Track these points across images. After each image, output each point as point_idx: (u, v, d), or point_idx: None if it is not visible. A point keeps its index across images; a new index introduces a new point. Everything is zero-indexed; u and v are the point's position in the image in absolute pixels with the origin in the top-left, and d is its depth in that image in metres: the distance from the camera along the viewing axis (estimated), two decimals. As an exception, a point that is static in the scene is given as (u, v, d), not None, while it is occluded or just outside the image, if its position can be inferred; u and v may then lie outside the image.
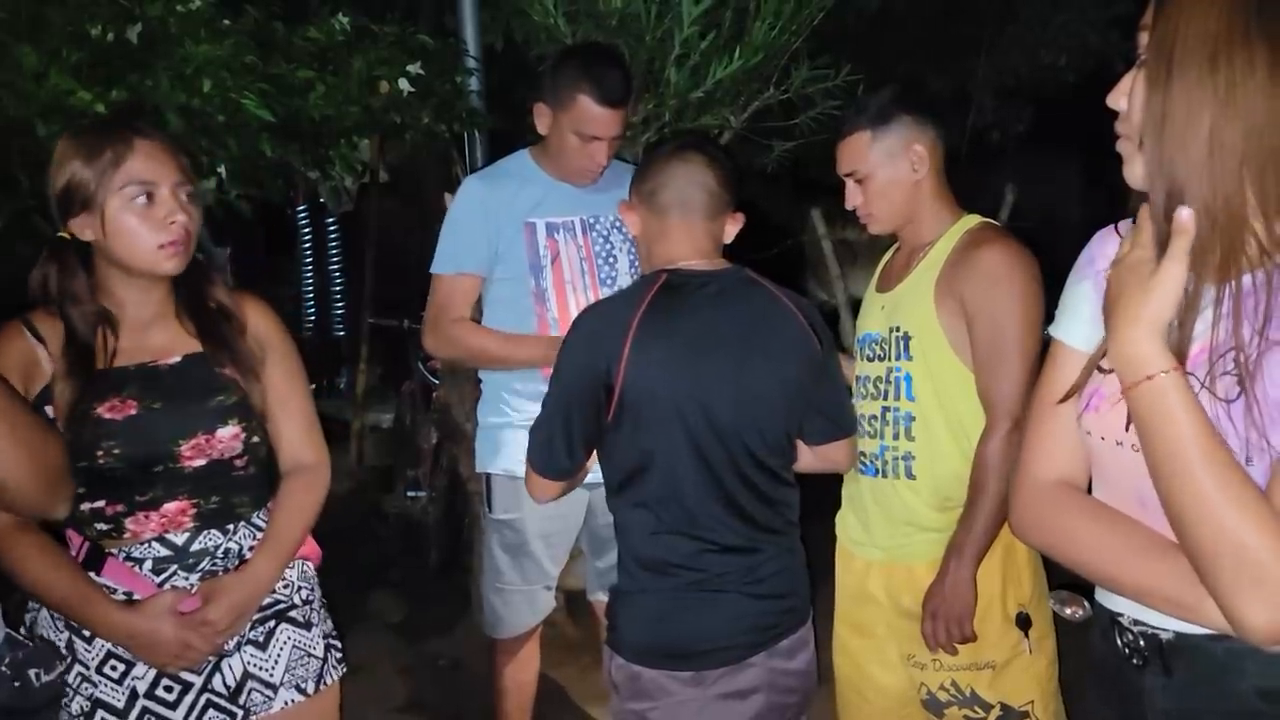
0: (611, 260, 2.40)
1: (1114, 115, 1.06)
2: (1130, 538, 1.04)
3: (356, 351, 5.63)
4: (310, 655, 1.78)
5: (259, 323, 1.77)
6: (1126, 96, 1.03)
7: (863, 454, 2.04)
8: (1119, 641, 1.12)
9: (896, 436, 1.97)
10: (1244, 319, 0.96)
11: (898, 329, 1.97)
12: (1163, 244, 0.98)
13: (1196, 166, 0.96)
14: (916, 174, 1.95)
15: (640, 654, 1.75)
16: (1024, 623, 1.90)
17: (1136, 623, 1.09)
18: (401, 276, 4.41)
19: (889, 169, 1.96)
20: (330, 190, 3.14)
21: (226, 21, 2.48)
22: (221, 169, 2.48)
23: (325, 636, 1.83)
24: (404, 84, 2.94)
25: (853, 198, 2.02)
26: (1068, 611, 1.27)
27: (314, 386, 6.55)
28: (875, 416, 2.01)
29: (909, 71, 4.55)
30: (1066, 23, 4.61)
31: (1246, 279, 0.97)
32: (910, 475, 1.95)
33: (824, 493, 2.15)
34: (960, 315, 1.88)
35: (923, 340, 1.93)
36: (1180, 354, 0.99)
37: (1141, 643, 1.09)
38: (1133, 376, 0.98)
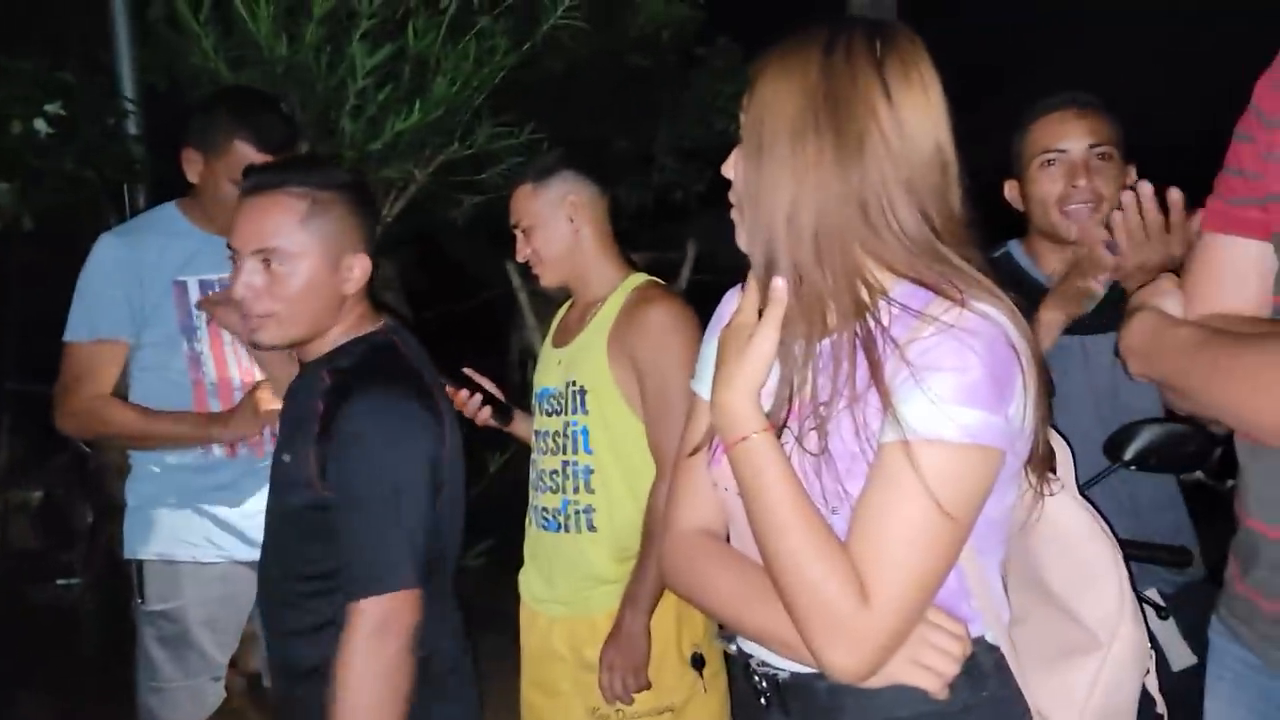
0: (276, 320, 2.26)
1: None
2: (750, 583, 1.10)
3: (-3, 421, 4.97)
4: None
5: None
6: (734, 169, 1.12)
7: (544, 510, 2.05)
8: (750, 682, 1.18)
9: (577, 490, 2.00)
10: (823, 378, 1.05)
11: (574, 383, 2.01)
12: (763, 310, 1.06)
13: (780, 238, 1.04)
14: (574, 225, 2.02)
15: None
16: (698, 663, 1.98)
17: (762, 664, 1.15)
18: (51, 336, 3.95)
19: (549, 220, 2.02)
20: (-47, 240, 2.76)
21: None
22: None
23: None
24: (41, 124, 2.66)
25: (521, 249, 2.07)
26: (732, 648, 1.33)
27: (-58, 463, 5.65)
28: (556, 471, 2.03)
29: (594, 132, 4.73)
30: (735, 93, 5.00)
31: (827, 342, 1.06)
32: (591, 528, 1.99)
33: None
34: (631, 370, 1.95)
35: (598, 394, 1.98)
36: (779, 412, 1.07)
37: (764, 683, 1.16)
38: (730, 436, 1.05)
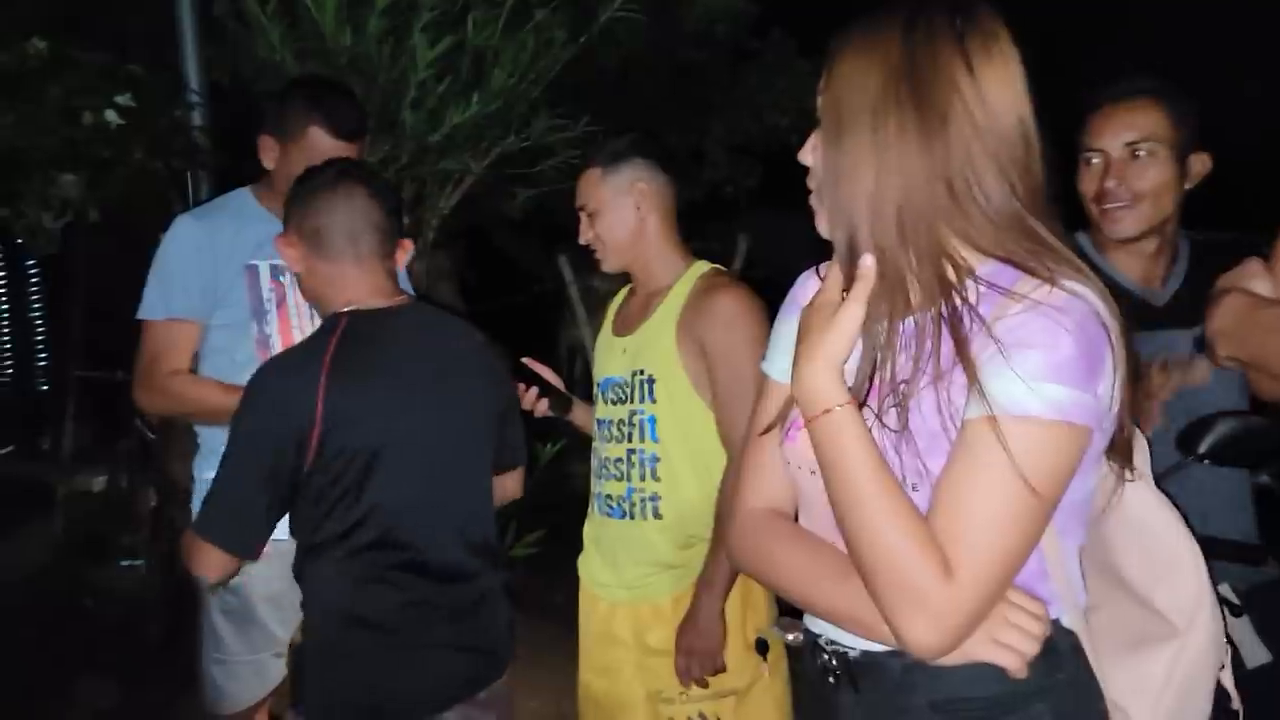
0: (342, 304, 2.30)
1: (806, 171, 1.14)
2: (821, 562, 1.11)
3: (62, 408, 5.10)
4: None
5: None
6: (811, 153, 1.12)
7: (609, 497, 2.06)
8: (818, 661, 1.18)
9: (643, 478, 2.00)
10: (905, 357, 1.05)
11: (641, 372, 2.01)
12: (848, 288, 1.06)
13: (863, 219, 1.04)
14: (640, 212, 2.03)
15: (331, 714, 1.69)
16: (762, 648, 1.98)
17: (831, 643, 1.16)
18: (116, 325, 4.04)
19: (616, 205, 2.03)
20: (25, 229, 2.83)
21: (-111, 38, 2.20)
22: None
23: None
24: (111, 115, 2.72)
25: (585, 232, 2.08)
26: (789, 637, 1.33)
27: (10, 448, 5.90)
28: (620, 459, 2.04)
29: (647, 126, 4.74)
30: (788, 86, 4.98)
31: (910, 320, 1.06)
32: (658, 515, 1.99)
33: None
34: (701, 357, 1.95)
35: (667, 382, 1.98)
36: (860, 389, 1.07)
37: (834, 661, 1.15)
38: (811, 410, 1.05)
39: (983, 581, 0.97)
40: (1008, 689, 1.04)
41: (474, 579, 1.73)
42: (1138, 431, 1.18)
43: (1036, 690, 1.05)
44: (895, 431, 1.04)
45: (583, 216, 2.08)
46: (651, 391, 1.99)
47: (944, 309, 1.03)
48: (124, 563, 4.09)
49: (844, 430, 1.02)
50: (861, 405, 1.06)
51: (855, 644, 1.12)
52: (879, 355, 1.06)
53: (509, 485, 1.97)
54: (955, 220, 1.03)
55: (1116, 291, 1.72)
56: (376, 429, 1.63)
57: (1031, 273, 1.01)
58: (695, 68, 4.97)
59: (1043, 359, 0.96)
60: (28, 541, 4.89)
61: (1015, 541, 0.99)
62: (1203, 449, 1.59)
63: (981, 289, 1.03)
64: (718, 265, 2.10)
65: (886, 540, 0.99)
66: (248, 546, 1.67)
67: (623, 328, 2.13)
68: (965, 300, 1.02)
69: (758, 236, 5.79)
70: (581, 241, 2.10)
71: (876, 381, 1.07)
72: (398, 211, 1.77)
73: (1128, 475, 1.14)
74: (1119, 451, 1.11)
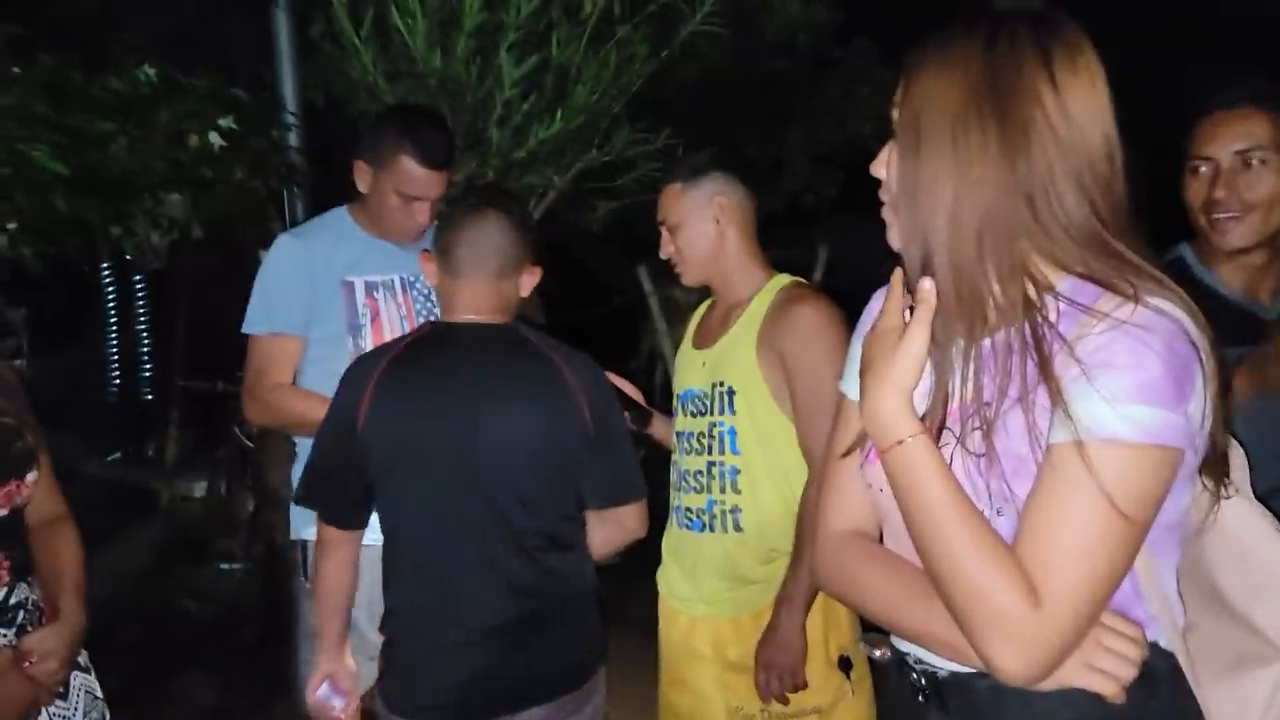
0: (433, 319, 2.36)
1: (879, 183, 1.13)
2: (907, 583, 1.09)
3: (166, 416, 5.32)
4: (95, 697, 1.80)
5: (4, 374, 1.76)
6: (885, 166, 1.11)
7: (688, 509, 2.07)
8: (908, 680, 1.17)
9: (724, 490, 2.01)
10: (986, 378, 1.04)
11: (721, 384, 2.02)
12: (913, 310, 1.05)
13: (940, 234, 1.02)
14: (720, 226, 2.04)
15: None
16: (846, 665, 1.97)
17: (919, 662, 1.14)
18: (217, 337, 4.21)
19: (696, 220, 2.05)
20: (135, 247, 2.98)
21: (16, 69, 2.34)
22: (12, 224, 2.32)
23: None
24: (215, 138, 2.85)
25: (665, 246, 2.11)
26: (875, 654, 1.32)
27: (118, 455, 6.15)
28: (700, 471, 2.05)
29: (727, 138, 4.75)
30: (869, 94, 4.94)
31: (989, 341, 1.04)
32: (738, 528, 2.00)
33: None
34: (781, 368, 1.95)
35: (747, 394, 1.99)
36: (936, 414, 1.05)
37: (923, 681, 1.13)
38: (884, 441, 1.04)
39: (1072, 608, 0.95)
40: (1101, 713, 1.02)
41: (522, 599, 1.74)
42: (1236, 446, 1.15)
43: (1134, 714, 1.03)
44: (979, 455, 1.02)
45: (664, 231, 2.10)
46: (731, 403, 2.00)
47: (1025, 328, 1.01)
48: (223, 566, 4.25)
49: (917, 461, 1.01)
50: (940, 429, 1.05)
51: (943, 664, 1.11)
52: (957, 377, 1.05)
53: (627, 522, 1.87)
54: (1036, 237, 1.01)
55: (1220, 305, 1.68)
56: (402, 430, 1.71)
57: (1114, 289, 0.99)
58: (776, 78, 4.97)
59: (1129, 380, 0.94)
60: (133, 544, 5.10)
61: (1105, 567, 0.96)
62: None
63: (1062, 307, 1.01)
64: (799, 278, 2.10)
65: (967, 569, 0.97)
66: (329, 511, 1.81)
67: (703, 340, 2.14)
68: (1046, 319, 1.00)
69: (838, 244, 5.75)
70: (662, 256, 2.12)
71: (956, 404, 1.05)
72: (527, 240, 1.83)
73: (1224, 494, 1.11)
74: (1214, 468, 1.08)
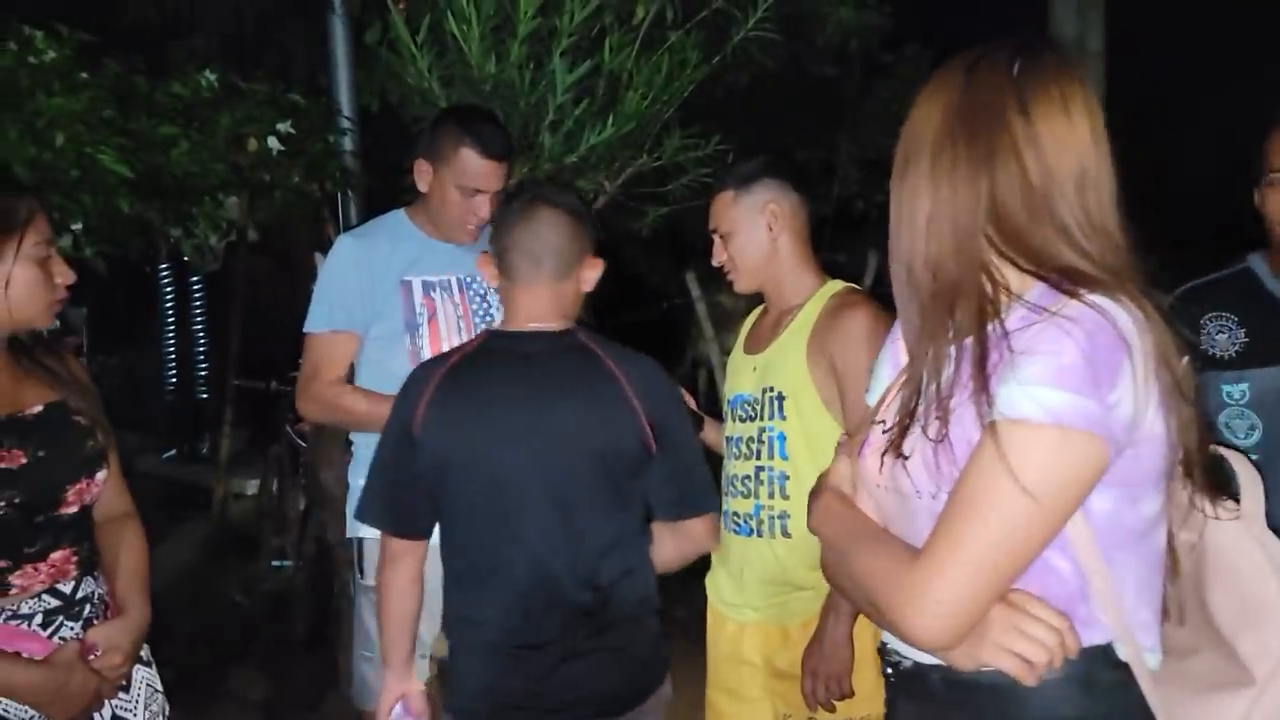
0: (488, 319, 2.38)
1: None
2: (865, 527, 1.19)
3: (220, 415, 5.42)
4: (156, 690, 1.83)
5: (79, 374, 1.78)
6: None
7: (735, 514, 2.07)
8: (886, 669, 1.23)
9: (772, 495, 2.00)
10: (947, 373, 1.08)
11: (771, 389, 2.02)
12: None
13: (919, 249, 1.11)
14: (773, 233, 2.03)
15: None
16: (893, 676, 1.95)
17: (892, 650, 1.20)
18: (270, 337, 4.30)
19: (748, 227, 2.04)
20: (194, 248, 3.04)
21: (84, 75, 2.40)
22: (77, 225, 2.38)
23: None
24: (273, 142, 2.90)
25: (718, 254, 2.10)
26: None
27: (173, 452, 6.27)
28: (749, 476, 2.05)
29: (777, 143, 4.74)
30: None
31: (953, 349, 1.09)
32: (786, 534, 1.99)
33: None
34: (831, 374, 1.94)
35: (797, 400, 1.98)
36: (905, 410, 1.13)
37: (889, 670, 1.22)
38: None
39: (964, 569, 1.00)
40: (1051, 715, 1.06)
41: (576, 613, 1.72)
42: (1249, 468, 1.16)
43: (1071, 713, 1.06)
44: (934, 441, 1.07)
45: (716, 239, 2.09)
46: (781, 408, 1.99)
47: (987, 333, 1.07)
48: (275, 563, 4.32)
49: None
50: (910, 420, 1.11)
51: (908, 654, 1.16)
52: (926, 376, 1.11)
53: (697, 534, 1.82)
54: (999, 246, 1.07)
55: None
56: (458, 441, 1.71)
57: (1067, 293, 1.03)
58: (827, 83, 4.94)
59: (1044, 365, 0.98)
60: (187, 539, 5.22)
61: (1002, 539, 0.99)
62: None
63: (1021, 312, 1.06)
64: (852, 284, 2.09)
65: (863, 559, 1.12)
66: (393, 522, 1.80)
67: (754, 346, 2.14)
68: (1002, 324, 1.05)
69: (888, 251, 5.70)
70: (715, 263, 2.12)
71: (921, 398, 1.12)
72: (584, 234, 1.80)
73: (1212, 513, 1.13)
74: (1197, 484, 1.11)
